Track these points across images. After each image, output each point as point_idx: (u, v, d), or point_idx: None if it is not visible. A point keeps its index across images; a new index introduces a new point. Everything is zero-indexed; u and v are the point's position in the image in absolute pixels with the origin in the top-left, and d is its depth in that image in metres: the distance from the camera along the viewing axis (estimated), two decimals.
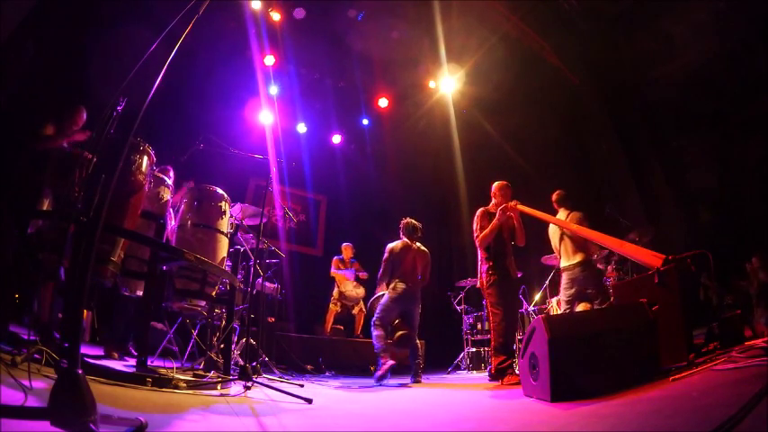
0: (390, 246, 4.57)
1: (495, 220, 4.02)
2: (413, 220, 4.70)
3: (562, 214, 4.29)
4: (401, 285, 4.35)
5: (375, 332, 4.28)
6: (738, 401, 1.20)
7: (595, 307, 3.82)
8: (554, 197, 4.41)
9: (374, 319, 4.36)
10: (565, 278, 4.14)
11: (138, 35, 4.20)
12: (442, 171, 8.72)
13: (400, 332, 4.25)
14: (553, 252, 4.64)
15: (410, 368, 4.38)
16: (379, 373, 3.98)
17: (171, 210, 3.43)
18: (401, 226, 4.70)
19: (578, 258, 4.03)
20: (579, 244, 4.05)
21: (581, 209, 4.26)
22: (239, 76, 7.07)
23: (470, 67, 7.16)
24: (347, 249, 6.72)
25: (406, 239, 4.61)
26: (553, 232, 4.33)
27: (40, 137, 3.15)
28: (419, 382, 4.20)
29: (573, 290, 4.02)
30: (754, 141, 5.44)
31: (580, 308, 3.94)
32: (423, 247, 4.64)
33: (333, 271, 6.79)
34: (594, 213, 5.85)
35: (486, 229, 4.02)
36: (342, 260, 6.70)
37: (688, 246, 4.53)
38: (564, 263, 4.18)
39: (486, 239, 4.03)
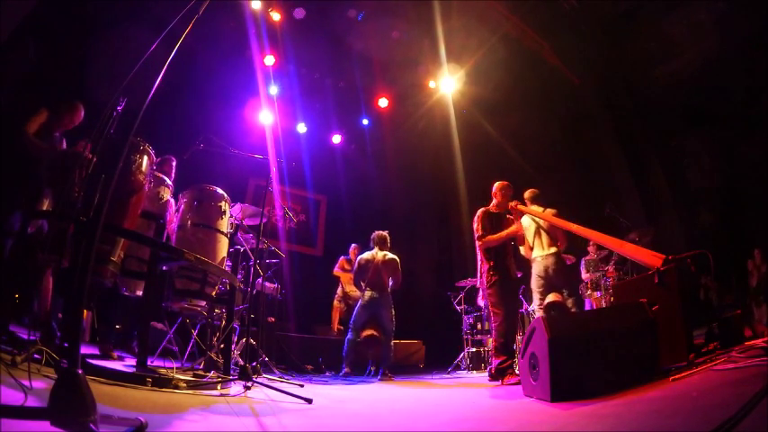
0: (359, 257, 5.13)
1: (505, 233, 4.09)
2: (381, 232, 5.18)
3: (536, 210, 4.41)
4: (368, 293, 4.88)
5: (347, 335, 4.84)
6: (738, 401, 1.20)
7: (564, 294, 4.12)
8: (527, 194, 4.50)
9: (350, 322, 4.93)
10: (537, 268, 4.32)
11: (138, 35, 4.20)
12: (442, 171, 8.71)
13: (367, 332, 4.69)
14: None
15: (406, 368, 4.55)
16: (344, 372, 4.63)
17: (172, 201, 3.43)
18: (371, 238, 5.19)
19: (553, 250, 4.25)
20: (553, 238, 4.31)
21: (554, 207, 4.41)
22: (239, 76, 7.06)
23: (470, 67, 7.15)
24: (355, 251, 6.71)
25: (373, 250, 5.02)
26: (528, 225, 4.48)
27: (22, 133, 3.09)
28: (385, 379, 4.55)
29: (545, 280, 4.24)
30: (755, 141, 5.43)
31: (551, 297, 4.10)
32: (389, 255, 5.04)
33: (337, 270, 6.80)
34: (594, 213, 5.87)
35: (494, 237, 4.05)
36: (349, 260, 6.69)
37: (688, 246, 4.53)
38: (538, 252, 4.35)
39: (490, 244, 4.04)
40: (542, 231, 4.34)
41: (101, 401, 1.20)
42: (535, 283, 4.34)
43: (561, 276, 4.23)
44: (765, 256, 4.87)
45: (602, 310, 4.57)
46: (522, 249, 4.52)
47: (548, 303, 4.08)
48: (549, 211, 4.32)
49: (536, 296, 4.32)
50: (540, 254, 4.32)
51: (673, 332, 2.38)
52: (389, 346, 4.83)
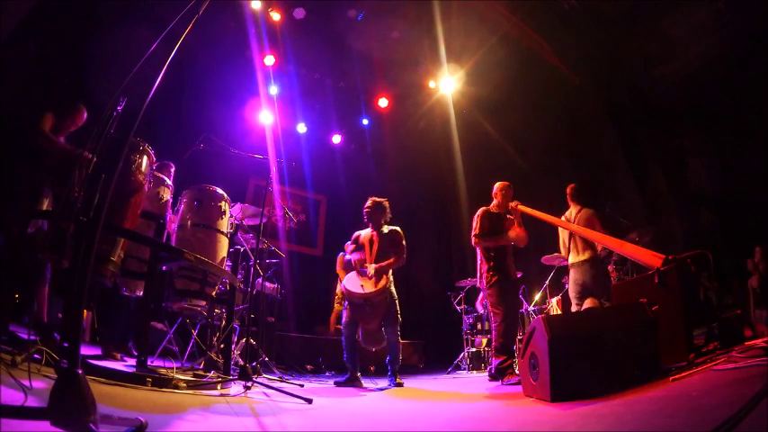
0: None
1: (505, 239, 3.99)
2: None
3: (573, 209, 4.38)
4: None
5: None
6: (738, 401, 1.20)
7: (600, 300, 3.92)
8: (567, 190, 4.49)
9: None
10: (573, 275, 4.20)
11: (139, 35, 4.20)
12: (442, 171, 8.71)
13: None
14: (557, 251, 4.72)
15: (406, 368, 4.46)
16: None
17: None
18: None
19: (587, 255, 4.10)
20: (588, 241, 4.09)
21: (592, 206, 4.32)
22: (239, 76, 7.06)
23: (470, 67, 7.15)
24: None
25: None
26: (562, 230, 4.37)
27: (39, 131, 3.09)
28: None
29: (580, 287, 4.09)
30: (754, 141, 5.43)
31: (587, 303, 3.99)
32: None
33: (340, 269, 6.77)
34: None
35: (491, 239, 4.00)
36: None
37: (688, 246, 4.54)
38: (573, 259, 4.23)
39: (485, 244, 4.02)
40: (576, 235, 4.18)
41: (101, 401, 1.20)
42: (571, 290, 4.22)
43: (598, 282, 4.03)
44: (766, 254, 4.88)
45: (602, 310, 4.56)
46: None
47: (584, 311, 3.92)
48: (586, 211, 4.26)
49: (573, 303, 4.18)
50: (575, 260, 4.20)
51: (673, 332, 2.38)
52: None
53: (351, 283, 3.89)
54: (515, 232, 4.02)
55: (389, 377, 4.05)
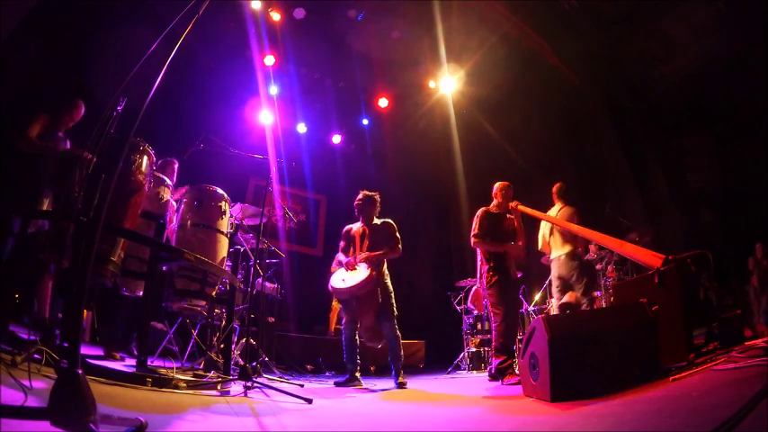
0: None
1: (501, 247, 3.98)
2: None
3: (556, 207, 4.56)
4: None
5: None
6: (738, 401, 1.20)
7: (577, 294, 4.19)
8: (554, 189, 4.64)
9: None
10: (553, 270, 4.47)
11: (139, 35, 4.21)
12: (442, 171, 8.71)
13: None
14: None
15: (406, 368, 4.44)
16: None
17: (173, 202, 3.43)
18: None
19: (566, 249, 4.35)
20: (567, 237, 4.36)
21: (576, 204, 4.51)
22: (239, 76, 7.06)
23: (470, 67, 7.15)
24: None
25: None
26: (544, 224, 4.59)
27: (22, 136, 3.08)
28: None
29: (559, 280, 4.36)
30: (754, 141, 5.44)
31: (566, 298, 4.23)
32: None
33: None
34: (594, 213, 5.87)
35: (492, 247, 3.98)
36: None
37: (688, 246, 4.54)
38: (553, 254, 4.50)
39: (483, 247, 4.02)
40: (556, 231, 4.44)
41: (101, 401, 1.20)
42: (553, 286, 4.49)
43: (575, 274, 4.28)
44: (767, 251, 4.91)
45: (602, 310, 4.57)
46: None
47: (561, 304, 4.22)
48: (567, 209, 4.45)
49: (555, 294, 4.44)
50: (555, 254, 4.46)
51: (673, 332, 2.38)
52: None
53: (334, 279, 3.84)
54: (513, 249, 4.03)
55: (394, 376, 3.96)
